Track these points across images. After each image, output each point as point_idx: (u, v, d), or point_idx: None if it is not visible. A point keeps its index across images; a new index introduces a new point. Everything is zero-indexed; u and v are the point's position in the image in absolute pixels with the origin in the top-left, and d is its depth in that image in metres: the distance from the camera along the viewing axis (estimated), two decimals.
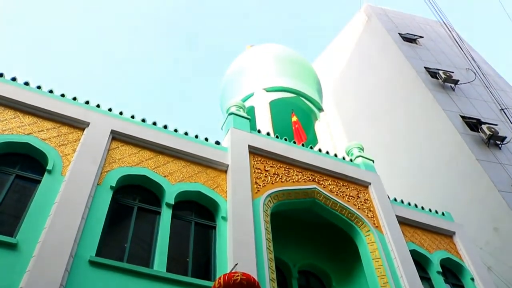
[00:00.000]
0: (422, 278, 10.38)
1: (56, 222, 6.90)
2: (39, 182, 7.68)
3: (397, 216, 11.26)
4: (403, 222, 11.55)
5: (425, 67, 23.06)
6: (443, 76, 21.86)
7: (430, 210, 12.85)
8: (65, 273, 6.44)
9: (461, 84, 22.32)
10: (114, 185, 8.11)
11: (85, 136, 8.62)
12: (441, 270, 11.19)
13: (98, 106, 9.52)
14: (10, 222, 7.00)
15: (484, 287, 11.36)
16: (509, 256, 14.70)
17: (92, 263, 6.85)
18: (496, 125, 19.63)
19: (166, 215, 8.27)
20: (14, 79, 9.03)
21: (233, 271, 6.74)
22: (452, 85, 22.10)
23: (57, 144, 8.29)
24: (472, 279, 11.56)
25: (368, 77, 27.08)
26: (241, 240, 8.11)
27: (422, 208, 12.75)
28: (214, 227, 8.79)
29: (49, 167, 7.77)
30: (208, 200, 8.97)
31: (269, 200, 9.47)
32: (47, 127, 8.52)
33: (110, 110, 9.58)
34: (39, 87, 9.16)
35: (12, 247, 6.44)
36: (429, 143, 20.09)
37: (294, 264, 10.33)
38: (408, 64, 23.21)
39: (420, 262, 11.15)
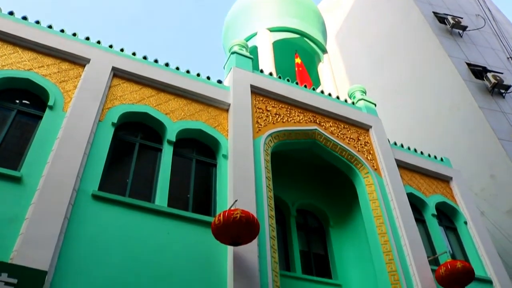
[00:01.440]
0: (417, 220, 10.65)
1: (58, 157, 6.97)
2: (40, 118, 7.69)
3: (396, 160, 11.38)
4: (402, 165, 11.69)
5: (433, 12, 22.47)
6: (451, 21, 21.34)
7: (429, 155, 12.97)
8: (69, 206, 6.58)
9: (469, 30, 21.84)
10: (115, 122, 8.13)
11: (86, 73, 8.54)
12: (436, 213, 11.46)
13: (98, 42, 9.37)
14: (13, 157, 7.07)
15: (476, 230, 11.66)
16: (503, 203, 15.01)
17: (95, 197, 6.98)
18: (502, 73, 19.41)
19: (167, 152, 8.35)
20: (11, 13, 8.82)
21: (232, 208, 6.87)
22: (460, 32, 21.63)
23: (57, 80, 8.22)
24: (465, 223, 11.86)
25: (374, 20, 26.43)
26: (241, 177, 8.23)
27: (421, 153, 12.85)
28: (215, 165, 8.90)
29: (50, 103, 7.75)
30: (209, 138, 9.02)
31: (270, 140, 9.52)
32: (47, 63, 8.42)
33: (111, 46, 9.43)
34: (37, 22, 8.97)
35: (17, 180, 6.54)
36: (432, 89, 19.94)
37: (293, 203, 10.55)
38: (416, 8, 22.61)
39: (416, 205, 11.39)
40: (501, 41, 22.21)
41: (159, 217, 7.29)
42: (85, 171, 7.19)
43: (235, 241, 6.65)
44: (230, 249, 7.30)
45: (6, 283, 5.27)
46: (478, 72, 19.38)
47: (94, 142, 7.63)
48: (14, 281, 5.30)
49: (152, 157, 8.39)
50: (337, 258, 10.15)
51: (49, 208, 6.35)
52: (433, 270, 9.27)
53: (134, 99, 8.72)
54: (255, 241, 7.36)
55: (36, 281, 5.47)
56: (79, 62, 8.73)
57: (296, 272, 9.30)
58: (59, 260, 6.07)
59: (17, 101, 7.88)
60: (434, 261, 9.96)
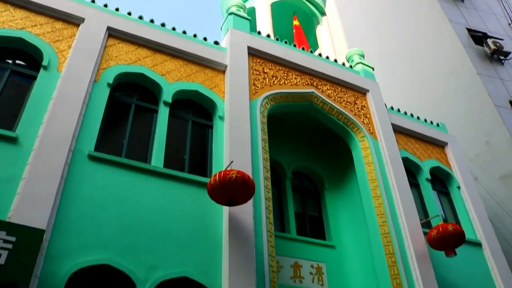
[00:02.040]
0: (411, 184, 10.78)
1: (54, 117, 6.94)
2: (35, 78, 7.60)
3: (392, 124, 11.40)
4: (398, 130, 11.72)
5: None
6: None
7: (425, 120, 12.99)
8: (65, 166, 6.60)
9: None
10: (111, 82, 8.06)
11: (81, 32, 8.39)
12: (430, 178, 11.58)
13: (93, 1, 9.16)
14: (8, 117, 7.02)
15: (468, 195, 11.82)
16: (497, 169, 15.15)
17: (91, 157, 7.00)
18: (502, 40, 19.23)
19: (163, 113, 8.33)
20: None
21: (228, 168, 6.91)
22: None
23: (51, 39, 8.08)
24: (458, 188, 12.01)
25: None
26: (237, 139, 8.24)
27: (418, 118, 12.87)
28: (211, 126, 8.89)
29: (44, 63, 7.65)
30: (206, 99, 8.98)
31: (267, 102, 9.49)
32: (41, 22, 8.25)
33: (105, 6, 9.23)
34: None
35: (13, 140, 6.53)
36: (431, 54, 19.77)
37: (288, 165, 10.62)
38: None
39: (411, 169, 11.50)
40: (503, 6, 21.88)
41: (155, 177, 7.33)
42: (81, 131, 7.17)
43: (231, 202, 6.72)
44: (225, 209, 7.39)
45: (5, 241, 5.33)
46: (478, 38, 19.18)
47: (90, 103, 7.58)
48: (13, 239, 5.36)
49: (148, 118, 8.37)
50: (331, 220, 10.31)
51: (46, 168, 6.37)
52: (425, 233, 9.43)
53: (129, 60, 8.61)
54: (250, 202, 7.45)
55: (34, 239, 5.53)
56: (73, 21, 8.57)
57: (290, 233, 9.45)
58: (56, 219, 6.13)
59: (10, 61, 7.77)
60: (426, 224, 10.14)
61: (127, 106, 8.29)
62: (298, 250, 9.20)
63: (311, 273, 9.09)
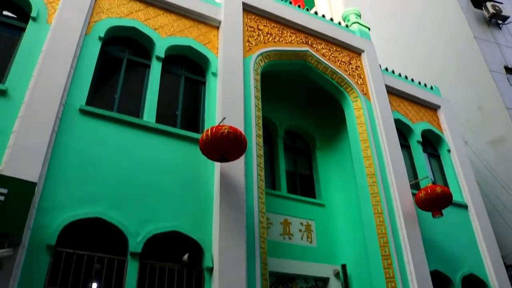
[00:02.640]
0: (402, 145, 10.85)
1: (44, 70, 6.81)
2: (23, 30, 7.39)
3: (386, 86, 11.36)
4: (391, 91, 11.70)
5: None
6: None
7: (419, 83, 12.96)
8: (56, 120, 6.54)
9: None
10: (102, 36, 7.88)
11: None
12: (421, 140, 11.66)
13: None
14: None
15: (458, 158, 11.95)
16: (488, 134, 15.26)
17: (83, 111, 6.94)
18: (501, 3, 18.95)
19: (156, 68, 8.22)
20: None
21: (220, 124, 6.90)
22: None
23: None
24: (449, 151, 12.12)
25: None
26: (230, 96, 8.20)
27: (412, 80, 12.83)
28: (204, 83, 8.81)
29: (33, 14, 7.42)
30: (199, 55, 8.85)
31: (260, 59, 9.38)
32: None
33: None
34: None
35: (2, 93, 6.41)
36: (428, 16, 19.51)
37: (280, 124, 10.63)
38: None
39: (403, 131, 11.56)
40: None
41: (147, 133, 7.31)
42: (72, 85, 7.07)
43: (222, 157, 6.74)
44: (217, 166, 7.43)
45: None
46: (477, 1, 18.90)
47: (81, 56, 7.45)
48: (5, 191, 5.35)
49: (141, 73, 8.26)
50: (322, 179, 10.43)
51: (36, 121, 6.31)
52: (413, 194, 9.59)
53: (121, 13, 8.41)
54: (242, 159, 7.49)
55: (26, 191, 5.52)
56: None
57: (281, 191, 9.57)
58: (48, 173, 6.14)
59: None
60: (415, 185, 10.29)
61: (119, 61, 8.16)
62: (288, 208, 9.35)
63: (300, 230, 9.27)
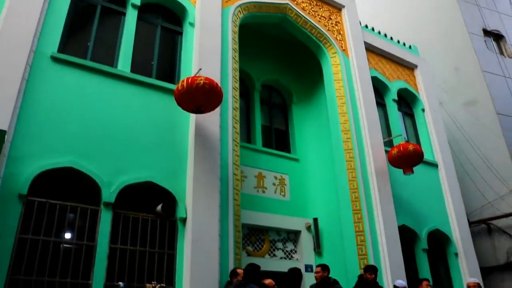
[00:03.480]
0: (378, 103, 10.94)
1: (12, 14, 6.50)
2: None
3: (365, 43, 11.31)
4: (370, 49, 11.66)
5: None
6: None
7: (398, 42, 12.94)
8: (27, 67, 6.33)
9: None
10: None
11: None
12: (396, 99, 11.76)
13: None
14: None
15: (432, 118, 12.13)
16: (462, 96, 15.44)
17: (54, 59, 6.71)
18: None
19: (131, 16, 7.94)
20: None
21: (196, 75, 6.79)
22: None
23: None
24: (423, 110, 12.28)
25: None
26: (207, 47, 8.04)
27: (391, 38, 12.78)
28: (181, 33, 8.59)
29: None
30: (176, 4, 8.56)
31: (239, 11, 9.16)
32: None
33: None
34: None
35: None
36: None
37: (258, 78, 10.55)
38: None
39: (379, 89, 11.62)
40: None
41: (122, 82, 7.17)
42: (43, 31, 6.79)
43: (198, 109, 6.68)
44: (192, 117, 7.37)
45: None
46: None
47: (52, 0, 7.13)
48: None
49: (115, 21, 7.98)
50: (297, 134, 10.48)
51: (5, 68, 6.09)
52: (386, 151, 9.76)
53: None
54: (217, 111, 7.45)
55: None
56: None
57: (256, 144, 9.61)
58: (18, 121, 6.00)
59: None
60: (388, 143, 10.46)
61: (93, 7, 7.85)
62: (262, 162, 9.42)
63: (274, 184, 9.40)
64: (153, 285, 6.36)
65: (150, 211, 6.75)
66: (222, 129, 7.57)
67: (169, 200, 6.85)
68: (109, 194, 6.27)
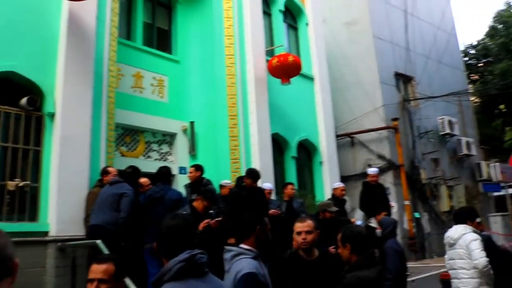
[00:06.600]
0: (264, 12, 10.88)
1: None
2: None
3: None
4: None
5: None
6: None
7: None
8: None
9: None
10: None
11: None
12: (283, 10, 11.82)
13: None
14: None
15: (314, 33, 12.46)
16: (345, 15, 15.93)
17: None
18: None
19: None
20: None
21: None
22: None
23: None
24: (307, 24, 12.53)
25: None
26: None
27: None
28: None
29: None
30: None
31: None
32: None
33: None
34: None
35: None
36: None
37: None
38: None
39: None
40: None
41: None
42: None
43: None
44: (65, 3, 6.67)
45: None
46: None
47: None
48: None
49: None
50: (180, 35, 10.08)
51: None
52: (267, 61, 9.92)
53: None
54: (94, 0, 6.85)
55: None
56: None
57: (136, 42, 9.10)
58: None
59: None
60: (270, 52, 10.61)
61: None
62: (142, 61, 9.01)
63: (152, 85, 9.12)
64: (17, 182, 6.07)
65: (14, 104, 6.24)
66: (99, 20, 7.04)
67: (36, 93, 6.37)
68: None
